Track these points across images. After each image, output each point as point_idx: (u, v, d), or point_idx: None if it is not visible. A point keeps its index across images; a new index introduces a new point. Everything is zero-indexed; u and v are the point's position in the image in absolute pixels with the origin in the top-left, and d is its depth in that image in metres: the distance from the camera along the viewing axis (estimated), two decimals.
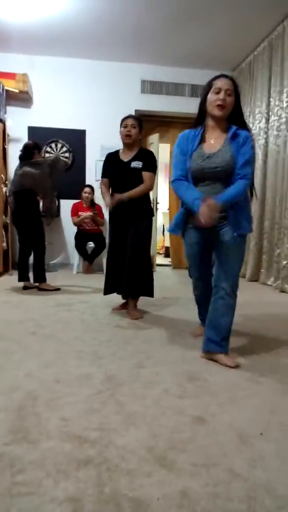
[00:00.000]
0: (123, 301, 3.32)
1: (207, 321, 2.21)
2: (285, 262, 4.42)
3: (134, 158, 3.09)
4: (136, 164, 3.06)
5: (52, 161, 4.23)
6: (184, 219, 2.28)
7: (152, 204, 3.32)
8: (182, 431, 1.43)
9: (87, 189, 5.79)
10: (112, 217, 3.20)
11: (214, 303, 2.18)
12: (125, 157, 3.12)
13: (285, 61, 4.60)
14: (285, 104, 4.58)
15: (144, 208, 3.15)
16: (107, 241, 3.52)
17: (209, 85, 2.12)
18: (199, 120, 2.21)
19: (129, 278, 3.09)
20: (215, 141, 2.14)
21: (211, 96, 2.10)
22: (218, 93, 2.07)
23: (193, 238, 2.29)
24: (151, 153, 3.23)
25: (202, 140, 2.17)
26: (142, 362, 2.13)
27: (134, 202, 3.06)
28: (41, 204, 4.43)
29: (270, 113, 4.98)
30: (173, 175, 2.22)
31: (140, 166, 3.06)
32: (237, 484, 1.15)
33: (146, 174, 3.06)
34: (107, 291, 3.29)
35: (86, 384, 1.82)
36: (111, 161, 3.15)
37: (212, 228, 2.10)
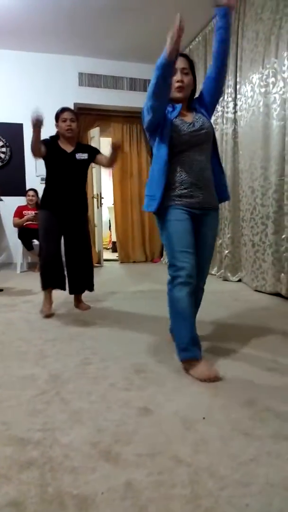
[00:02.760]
0: (46, 303, 3.16)
1: (192, 321, 1.95)
2: (226, 251, 4.56)
3: (76, 150, 3.09)
4: (81, 156, 3.08)
5: None
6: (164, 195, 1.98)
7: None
8: (127, 423, 1.44)
9: (30, 192, 5.66)
10: (51, 205, 3.08)
11: (195, 296, 2.00)
12: (66, 148, 3.09)
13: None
14: (220, 98, 4.70)
15: (85, 203, 3.20)
16: None
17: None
18: None
19: (84, 274, 3.18)
20: (187, 114, 2.05)
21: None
22: (174, 74, 1.94)
23: (183, 214, 1.98)
24: (91, 146, 3.28)
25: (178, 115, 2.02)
26: (88, 359, 2.11)
27: (76, 193, 3.10)
28: None
29: None
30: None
31: (85, 157, 3.09)
32: (181, 470, 1.17)
33: (101, 156, 3.14)
34: (47, 285, 3.15)
35: (29, 385, 1.77)
36: (53, 149, 3.05)
37: (199, 213, 2.02)
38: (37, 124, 2.77)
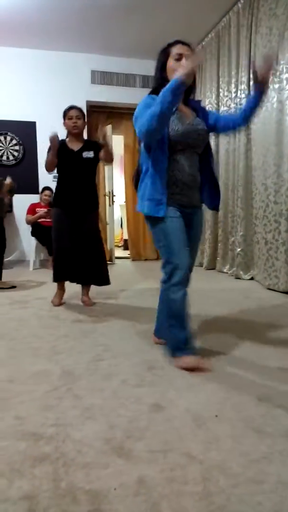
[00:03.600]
0: (57, 295, 3.35)
1: (187, 322, 1.98)
2: (239, 249, 4.54)
3: (83, 149, 3.15)
4: (88, 154, 3.14)
5: None
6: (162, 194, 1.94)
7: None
8: (140, 419, 1.44)
9: (47, 192, 5.69)
10: (62, 203, 3.20)
11: (185, 293, 2.00)
12: (74, 146, 3.16)
13: (232, 51, 4.68)
14: (233, 95, 4.67)
15: (95, 199, 3.28)
16: None
17: (166, 52, 1.95)
18: (159, 88, 1.86)
19: (92, 268, 3.23)
20: (186, 110, 2.02)
21: (173, 63, 1.92)
22: (179, 59, 1.90)
23: (177, 212, 1.97)
24: (99, 143, 3.27)
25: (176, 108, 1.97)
26: (100, 355, 2.12)
27: (86, 190, 3.18)
28: None
29: (220, 104, 5.06)
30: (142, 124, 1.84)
31: (92, 156, 3.15)
32: (192, 467, 1.17)
33: (101, 152, 3.16)
34: (58, 277, 3.30)
35: (42, 381, 1.79)
36: (62, 150, 3.12)
37: (189, 212, 2.04)
38: (54, 141, 2.96)
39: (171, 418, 1.45)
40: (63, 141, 3.17)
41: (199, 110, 2.08)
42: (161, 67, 1.99)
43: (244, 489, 1.08)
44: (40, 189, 5.87)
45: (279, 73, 3.69)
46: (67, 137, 3.21)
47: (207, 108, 2.10)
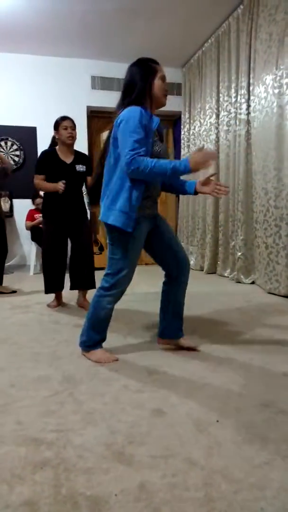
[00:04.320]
0: (55, 300, 3.44)
1: (172, 312, 2.25)
2: (239, 253, 4.54)
3: (76, 161, 3.22)
4: (81, 168, 3.24)
5: None
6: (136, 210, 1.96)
7: None
8: (141, 425, 1.44)
9: (38, 200, 5.69)
10: (51, 216, 3.25)
11: (179, 289, 2.22)
12: (65, 158, 3.20)
13: (232, 57, 4.70)
14: (233, 99, 4.69)
15: (84, 208, 3.38)
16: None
17: (154, 69, 2.00)
18: (139, 100, 1.96)
19: (87, 272, 3.31)
20: (157, 135, 2.12)
21: (159, 83, 1.98)
22: (163, 81, 2.01)
23: (144, 229, 2.06)
24: (88, 156, 3.47)
25: None
26: None
27: (75, 202, 3.26)
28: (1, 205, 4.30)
29: (220, 109, 5.07)
30: (135, 148, 1.82)
31: (84, 170, 3.26)
32: (194, 473, 1.16)
33: (89, 178, 3.30)
34: (49, 289, 3.36)
35: (43, 386, 1.79)
36: (51, 162, 3.17)
37: (152, 217, 2.14)
38: (62, 191, 3.08)
39: (172, 423, 1.45)
40: (53, 150, 3.20)
41: (161, 130, 2.22)
42: (147, 81, 1.99)
43: (246, 495, 1.07)
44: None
45: (279, 78, 3.71)
46: (54, 146, 3.23)
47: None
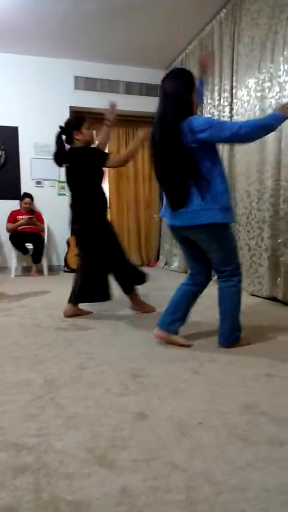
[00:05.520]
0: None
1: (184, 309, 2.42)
2: None
3: None
4: None
5: None
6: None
7: None
8: (123, 428, 1.43)
9: (27, 200, 5.65)
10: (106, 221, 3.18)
11: (198, 293, 2.49)
12: None
13: (216, 59, 4.73)
14: (216, 102, 4.73)
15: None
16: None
17: (193, 84, 2.15)
18: (184, 108, 2.12)
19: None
20: None
21: (195, 99, 2.16)
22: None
23: None
24: None
25: None
26: (84, 363, 2.10)
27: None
28: None
29: (204, 111, 5.11)
30: (236, 124, 2.07)
31: None
32: (176, 476, 1.16)
33: None
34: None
35: (24, 390, 1.76)
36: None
37: None
38: None
39: (155, 426, 1.44)
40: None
41: None
42: (189, 95, 2.13)
43: (228, 496, 1.07)
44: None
45: (261, 81, 3.75)
46: (63, 145, 3.02)
47: None
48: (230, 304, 2.30)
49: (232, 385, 1.79)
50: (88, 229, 3.01)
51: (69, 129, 2.98)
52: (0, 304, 3.56)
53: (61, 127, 2.98)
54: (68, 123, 3.03)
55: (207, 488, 1.11)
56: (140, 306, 3.24)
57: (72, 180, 3.02)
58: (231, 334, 2.30)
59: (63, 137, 2.99)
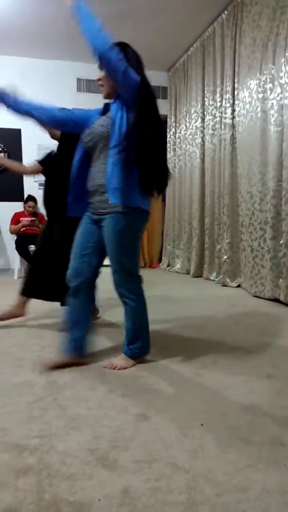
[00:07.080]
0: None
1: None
2: (225, 257, 4.56)
3: None
4: None
5: None
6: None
7: None
8: (125, 429, 1.43)
9: (31, 203, 5.65)
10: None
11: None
12: None
13: (217, 61, 4.74)
14: (218, 104, 4.73)
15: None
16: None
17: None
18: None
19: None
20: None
21: None
22: None
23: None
24: None
25: None
26: (85, 364, 2.10)
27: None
28: None
29: (205, 113, 5.12)
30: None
31: None
32: (178, 477, 1.16)
33: None
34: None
35: (26, 391, 1.77)
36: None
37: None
38: None
39: (156, 427, 1.44)
40: None
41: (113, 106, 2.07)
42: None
43: (229, 497, 1.08)
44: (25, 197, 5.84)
45: (262, 83, 3.76)
46: None
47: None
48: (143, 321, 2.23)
49: (233, 387, 1.80)
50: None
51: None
52: (1, 306, 3.56)
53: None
54: None
55: (209, 489, 1.11)
56: (14, 311, 3.04)
57: None
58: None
59: None
